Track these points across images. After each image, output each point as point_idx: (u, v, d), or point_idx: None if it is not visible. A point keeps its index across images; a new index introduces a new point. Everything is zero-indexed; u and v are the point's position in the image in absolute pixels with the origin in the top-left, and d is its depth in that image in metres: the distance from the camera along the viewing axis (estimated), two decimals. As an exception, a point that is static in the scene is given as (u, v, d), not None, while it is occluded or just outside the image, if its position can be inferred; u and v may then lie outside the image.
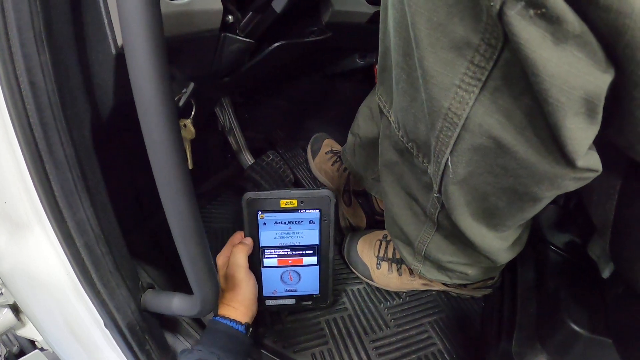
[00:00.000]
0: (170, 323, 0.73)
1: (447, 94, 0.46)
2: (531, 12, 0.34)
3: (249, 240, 0.77)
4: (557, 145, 0.42)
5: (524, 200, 0.52)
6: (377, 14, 0.93)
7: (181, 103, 0.64)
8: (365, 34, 1.03)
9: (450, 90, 0.45)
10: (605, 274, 0.62)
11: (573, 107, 0.38)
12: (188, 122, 0.72)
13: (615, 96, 0.39)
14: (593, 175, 0.46)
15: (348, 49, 1.28)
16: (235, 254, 0.73)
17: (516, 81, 0.40)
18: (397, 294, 0.98)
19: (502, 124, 0.45)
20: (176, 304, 0.58)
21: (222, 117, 1.23)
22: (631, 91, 0.36)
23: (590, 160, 0.44)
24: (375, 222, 1.12)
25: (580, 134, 0.40)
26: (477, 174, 0.52)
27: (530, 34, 0.35)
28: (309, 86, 1.44)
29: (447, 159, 0.52)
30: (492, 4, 0.35)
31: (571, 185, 0.48)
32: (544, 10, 0.33)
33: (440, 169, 0.55)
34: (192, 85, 0.64)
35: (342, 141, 1.18)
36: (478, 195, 0.56)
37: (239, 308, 0.68)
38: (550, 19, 0.34)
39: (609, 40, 0.34)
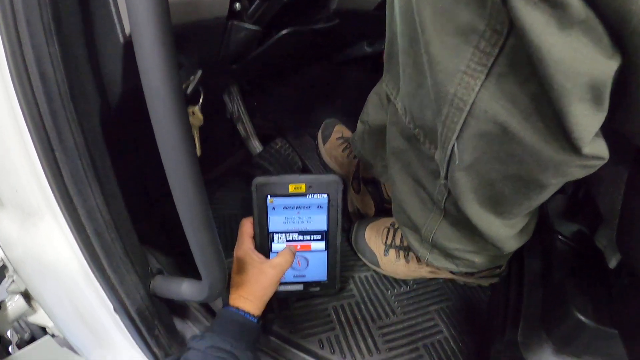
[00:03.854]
0: (179, 309, 0.73)
1: (453, 79, 0.46)
2: None
3: (246, 225, 0.76)
4: (563, 132, 0.41)
5: (530, 187, 0.52)
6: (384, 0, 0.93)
7: (189, 90, 0.64)
8: (372, 20, 1.02)
9: (456, 75, 0.45)
10: (612, 263, 0.61)
11: (578, 93, 0.37)
12: (196, 109, 0.72)
13: (622, 83, 0.38)
14: (599, 162, 0.45)
15: (356, 37, 1.27)
16: (242, 242, 0.73)
17: (522, 67, 0.40)
18: (405, 281, 0.98)
19: (507, 110, 0.44)
20: (185, 289, 0.59)
21: (230, 105, 1.22)
22: (638, 79, 0.36)
23: (596, 148, 0.44)
24: (384, 209, 1.11)
25: (586, 120, 0.40)
26: (483, 161, 0.52)
27: (534, 19, 0.34)
28: (317, 74, 1.42)
29: (454, 145, 0.52)
30: None
31: (577, 173, 0.47)
32: None
33: (446, 155, 0.55)
34: (199, 72, 0.64)
35: (351, 128, 1.17)
36: (484, 182, 0.56)
37: (253, 301, 0.66)
38: (554, 4, 0.33)
39: (615, 27, 0.34)
